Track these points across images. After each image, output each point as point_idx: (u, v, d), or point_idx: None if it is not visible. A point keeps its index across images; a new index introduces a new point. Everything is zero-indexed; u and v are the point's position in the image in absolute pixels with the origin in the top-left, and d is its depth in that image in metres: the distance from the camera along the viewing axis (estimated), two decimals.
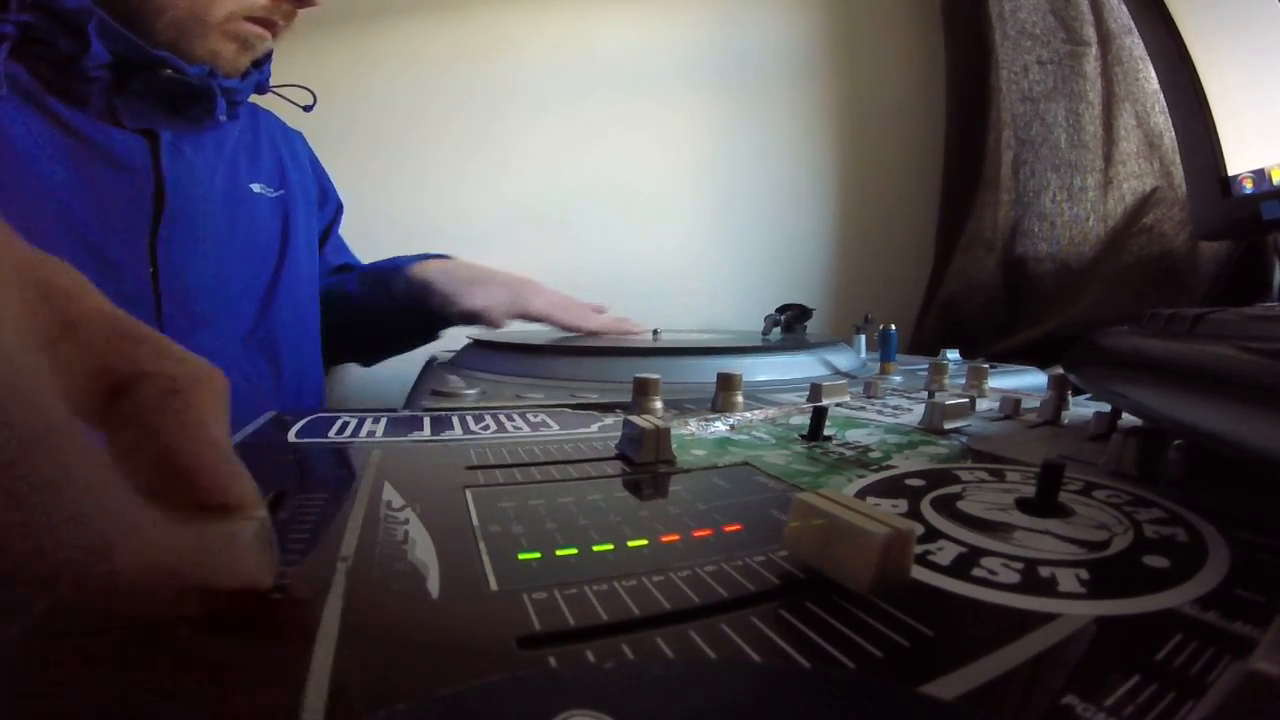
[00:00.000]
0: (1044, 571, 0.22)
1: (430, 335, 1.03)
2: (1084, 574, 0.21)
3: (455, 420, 0.47)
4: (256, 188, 0.87)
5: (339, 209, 1.08)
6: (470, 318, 0.95)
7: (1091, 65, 1.22)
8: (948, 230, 1.42)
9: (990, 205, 1.29)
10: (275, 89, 0.88)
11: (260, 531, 0.19)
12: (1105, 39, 1.21)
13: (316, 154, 1.06)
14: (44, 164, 0.68)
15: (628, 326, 0.97)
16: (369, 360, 1.09)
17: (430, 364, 0.93)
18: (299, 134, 1.03)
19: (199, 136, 0.80)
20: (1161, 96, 0.99)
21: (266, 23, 0.76)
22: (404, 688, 0.16)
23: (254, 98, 0.88)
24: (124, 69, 0.71)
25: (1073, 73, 1.24)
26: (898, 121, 1.51)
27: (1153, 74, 1.02)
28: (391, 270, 0.96)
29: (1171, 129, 0.96)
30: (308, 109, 0.90)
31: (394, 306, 0.96)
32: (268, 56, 0.86)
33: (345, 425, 0.47)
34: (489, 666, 0.17)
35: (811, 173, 1.49)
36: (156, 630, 0.17)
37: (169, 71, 0.72)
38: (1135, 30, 1.06)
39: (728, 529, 0.26)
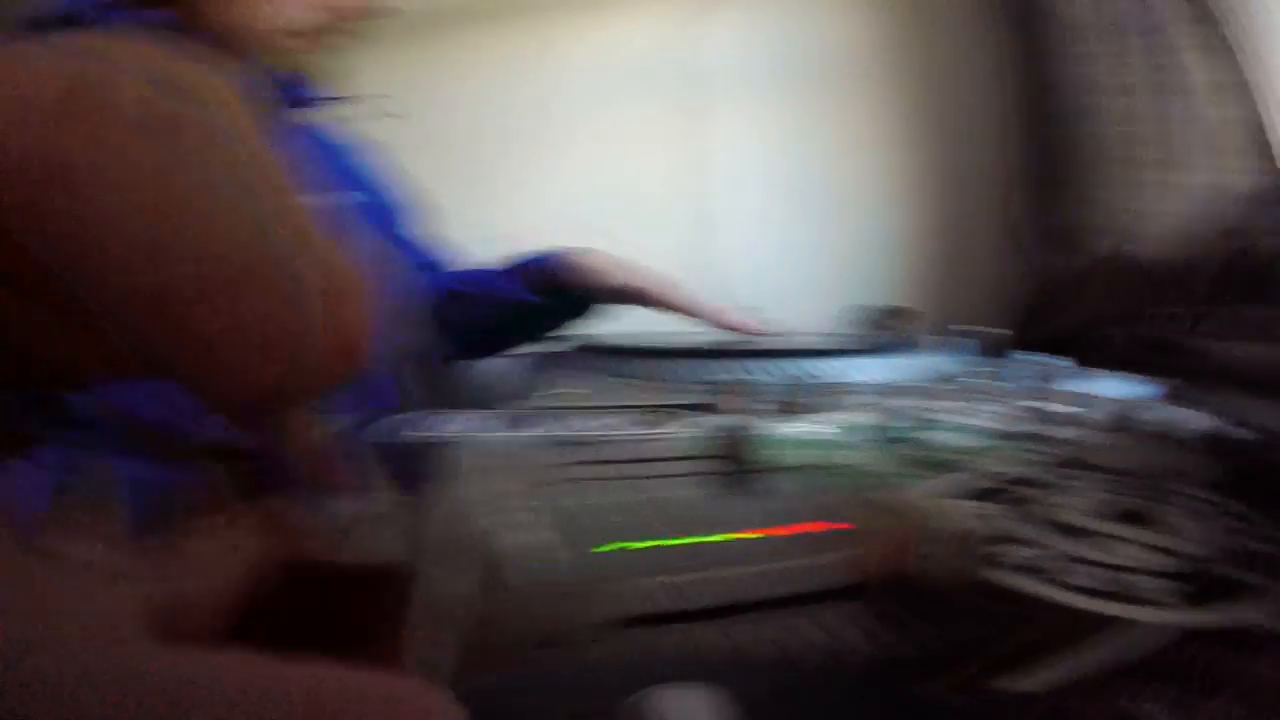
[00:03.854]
0: (1128, 579, 0.22)
1: (574, 320, 1.03)
2: (1169, 584, 0.21)
3: (554, 418, 0.48)
4: (334, 195, 0.89)
5: (414, 212, 1.10)
6: (625, 294, 0.93)
7: (1168, 52, 1.18)
8: (1037, 228, 1.39)
9: (1079, 201, 1.25)
10: (348, 100, 0.91)
11: (385, 512, 0.20)
12: (1181, 23, 1.17)
13: (389, 161, 1.09)
14: None
15: (753, 326, 0.96)
16: (505, 349, 1.10)
17: (528, 364, 0.94)
18: (367, 144, 1.06)
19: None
20: (1252, 85, 0.96)
21: (322, 36, 0.78)
22: (504, 657, 0.17)
23: (326, 110, 0.90)
24: None
25: (1150, 61, 1.20)
26: (971, 117, 1.47)
27: (1238, 60, 0.99)
28: (536, 262, 0.97)
29: (1273, 119, 0.93)
30: (383, 117, 0.92)
31: (551, 292, 0.96)
32: (330, 70, 0.88)
33: (449, 422, 0.48)
34: (572, 646, 0.18)
35: (892, 171, 1.47)
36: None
37: None
38: (1210, 14, 1.02)
39: (808, 527, 0.27)
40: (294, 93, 0.82)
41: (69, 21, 0.70)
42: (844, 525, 0.27)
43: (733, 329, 0.93)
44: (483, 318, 0.99)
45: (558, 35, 1.41)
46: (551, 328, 1.01)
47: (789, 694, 0.15)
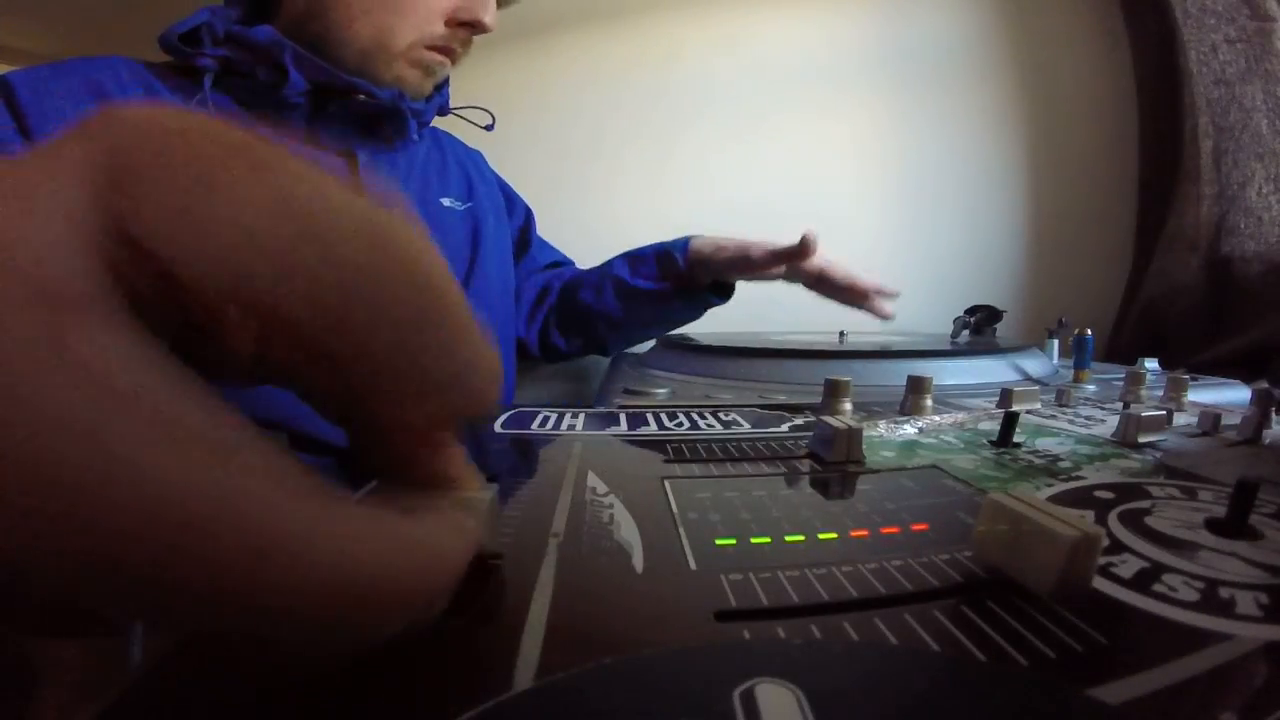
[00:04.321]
0: (1224, 593, 0.22)
1: (699, 312, 1.02)
2: (1264, 598, 0.21)
3: (650, 417, 0.50)
4: (446, 201, 0.93)
5: (528, 214, 1.12)
6: (781, 256, 0.92)
7: None
8: (1147, 227, 1.33)
9: (1191, 199, 1.18)
10: (456, 110, 0.93)
11: (495, 502, 0.21)
12: None
13: (497, 169, 1.11)
14: None
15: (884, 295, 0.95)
16: (626, 344, 1.11)
17: (617, 363, 0.96)
18: (479, 152, 1.09)
19: (392, 156, 0.87)
20: None
21: (445, 50, 0.82)
22: (611, 645, 0.18)
23: (436, 120, 0.93)
24: (320, 95, 0.78)
25: (1264, 51, 1.13)
26: (1088, 110, 1.42)
27: None
28: (668, 249, 0.99)
29: None
30: (488, 128, 0.94)
31: (677, 279, 0.98)
32: (446, 80, 0.92)
33: (546, 419, 0.50)
34: (688, 634, 0.19)
35: (998, 167, 1.43)
36: None
37: (362, 96, 0.78)
38: None
39: (915, 528, 0.27)
40: (420, 106, 0.85)
41: (192, 38, 0.74)
42: (950, 527, 0.28)
43: (859, 290, 0.91)
44: (604, 309, 1.00)
45: (685, 35, 1.42)
46: (672, 316, 1.02)
47: (881, 693, 0.16)
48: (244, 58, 0.74)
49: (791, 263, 0.93)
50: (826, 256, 0.92)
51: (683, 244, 0.97)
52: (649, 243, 1.02)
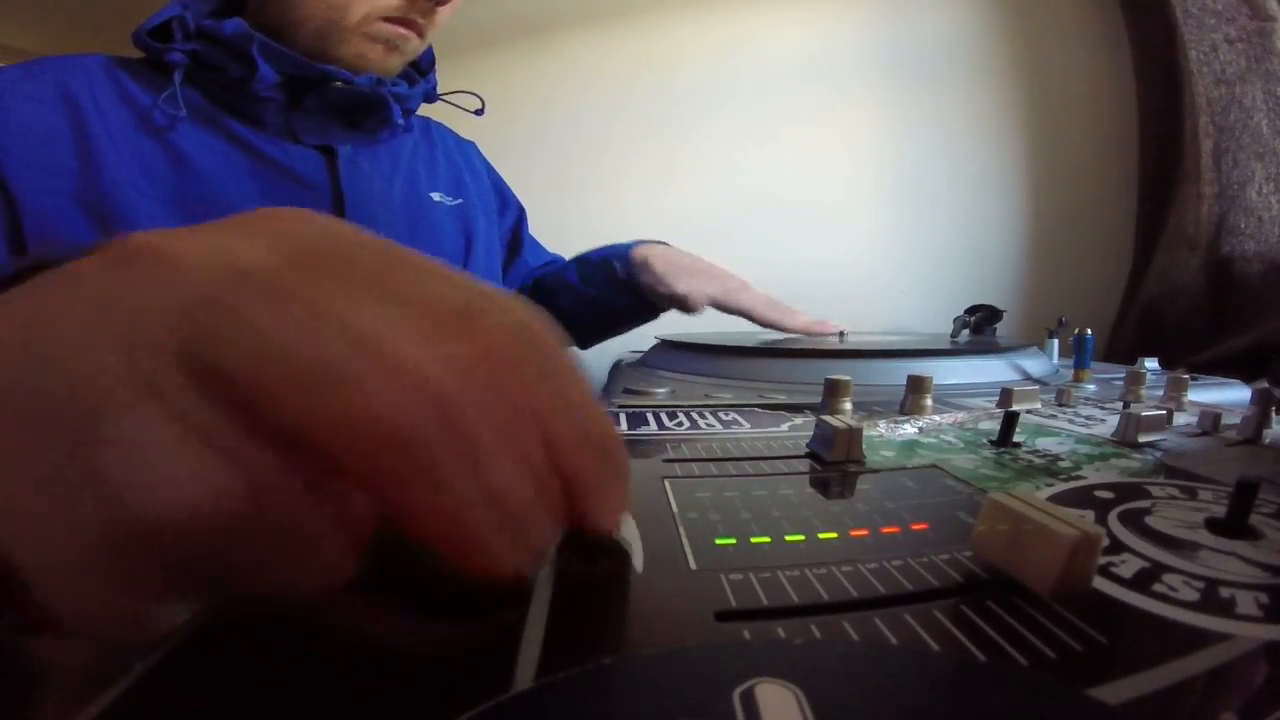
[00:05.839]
0: (1224, 593, 0.22)
1: (650, 316, 1.04)
2: (1264, 598, 0.21)
3: (650, 416, 0.49)
4: (436, 196, 0.91)
5: (521, 212, 1.10)
6: (673, 301, 0.95)
7: None
8: (1147, 227, 1.32)
9: (1191, 199, 1.18)
10: (444, 97, 0.91)
11: None
12: None
13: (500, 166, 1.10)
14: (231, 184, 0.73)
15: (828, 327, 0.96)
16: (588, 343, 1.11)
17: (619, 363, 0.95)
18: (472, 144, 1.07)
19: (375, 149, 0.84)
20: None
21: (406, 22, 0.77)
22: (611, 645, 0.18)
23: (425, 109, 0.91)
24: (295, 87, 0.75)
25: (1264, 51, 1.13)
26: (1088, 109, 1.41)
27: None
28: (611, 255, 0.99)
29: None
30: (478, 113, 0.92)
31: (616, 287, 0.98)
32: (432, 65, 0.90)
33: None
34: (688, 634, 0.19)
35: (998, 167, 1.43)
36: (373, 592, 0.20)
37: (338, 84, 0.75)
38: None
39: (915, 527, 0.27)
40: (404, 91, 0.83)
41: (162, 32, 0.73)
42: (950, 527, 0.28)
43: (805, 333, 0.92)
44: (578, 304, 1.00)
45: (683, 35, 1.42)
46: (622, 321, 1.02)
47: (880, 693, 0.16)
48: (214, 52, 0.72)
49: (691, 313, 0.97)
50: (745, 303, 0.95)
51: (624, 251, 0.97)
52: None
